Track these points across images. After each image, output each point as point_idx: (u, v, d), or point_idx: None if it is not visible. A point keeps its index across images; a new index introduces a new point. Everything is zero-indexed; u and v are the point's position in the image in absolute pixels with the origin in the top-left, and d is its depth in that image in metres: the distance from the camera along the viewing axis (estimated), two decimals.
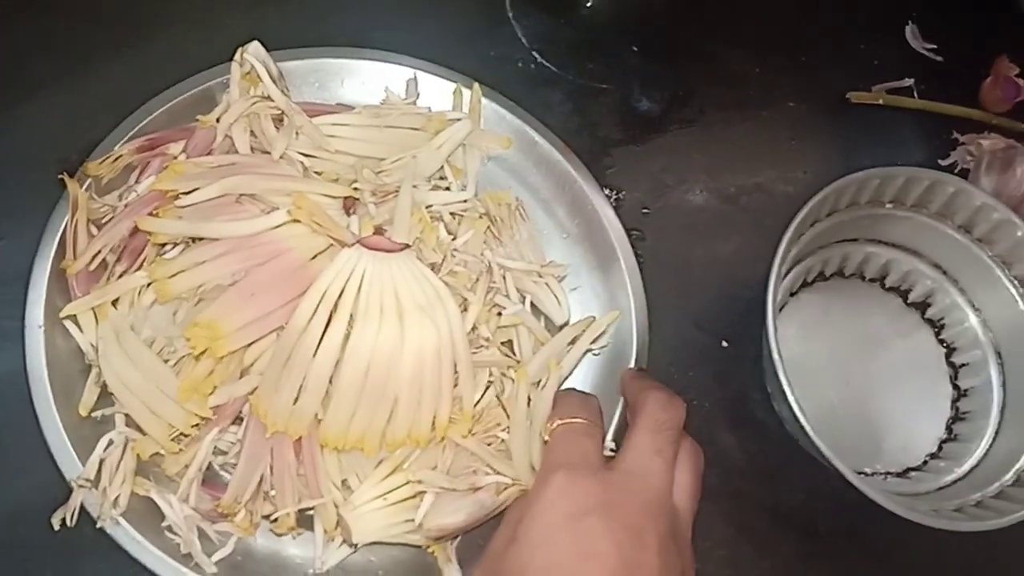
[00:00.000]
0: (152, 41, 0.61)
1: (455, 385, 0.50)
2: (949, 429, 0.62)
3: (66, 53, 0.60)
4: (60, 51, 0.60)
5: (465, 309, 0.52)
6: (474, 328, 0.53)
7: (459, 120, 0.58)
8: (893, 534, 0.59)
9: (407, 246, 0.51)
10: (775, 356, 0.52)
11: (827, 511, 0.60)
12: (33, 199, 0.54)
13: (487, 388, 0.53)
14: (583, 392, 0.54)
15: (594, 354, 0.58)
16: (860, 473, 0.59)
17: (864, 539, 0.59)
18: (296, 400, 0.47)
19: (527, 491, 0.47)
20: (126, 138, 0.55)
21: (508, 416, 0.51)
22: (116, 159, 0.53)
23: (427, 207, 0.55)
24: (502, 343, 0.55)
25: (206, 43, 0.58)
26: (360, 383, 0.48)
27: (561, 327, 0.57)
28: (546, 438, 0.48)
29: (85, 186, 0.53)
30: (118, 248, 0.52)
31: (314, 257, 0.50)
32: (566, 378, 0.56)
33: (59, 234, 0.52)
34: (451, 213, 0.56)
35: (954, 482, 0.59)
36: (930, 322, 0.64)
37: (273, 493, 0.49)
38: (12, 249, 0.54)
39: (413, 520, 0.48)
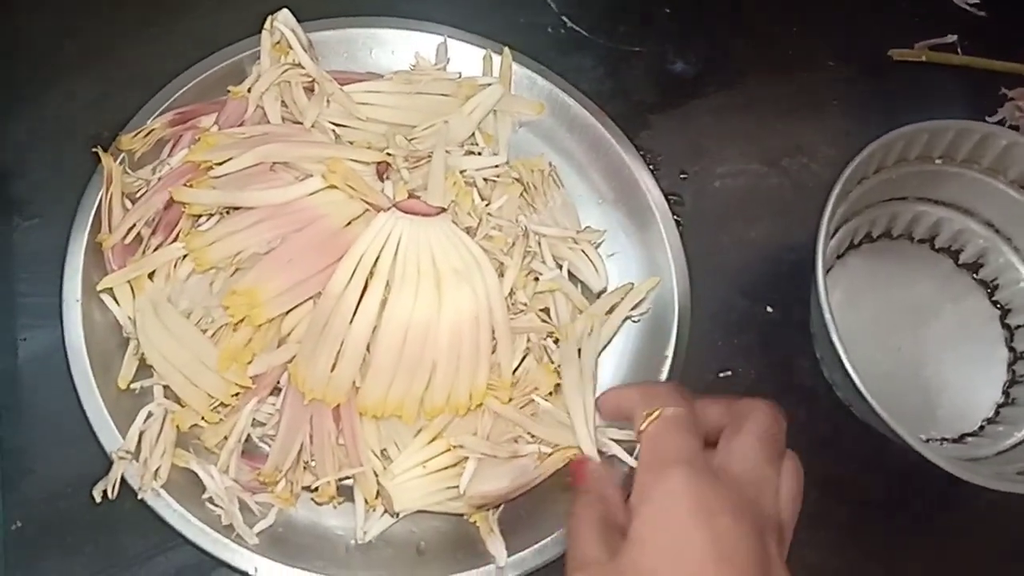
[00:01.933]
0: (179, 19, 0.61)
1: (493, 351, 0.49)
2: (1006, 393, 0.60)
3: (95, 34, 0.60)
4: (89, 32, 0.60)
5: (502, 274, 0.51)
6: (511, 293, 0.52)
7: (490, 85, 0.57)
8: (946, 504, 0.58)
9: (443, 210, 0.50)
10: (827, 318, 0.51)
11: (879, 481, 0.58)
12: (67, 177, 0.54)
13: (525, 355, 0.52)
14: (675, 383, 0.50)
15: (634, 321, 0.56)
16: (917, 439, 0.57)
17: (917, 509, 0.58)
18: (333, 367, 0.47)
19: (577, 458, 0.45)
20: (157, 112, 0.54)
21: (550, 380, 0.50)
22: (148, 133, 0.53)
23: (460, 172, 0.54)
24: (540, 310, 0.54)
25: (232, 19, 0.58)
26: (398, 350, 0.47)
27: (599, 294, 0.56)
28: (642, 428, 0.43)
29: (119, 160, 0.52)
30: (153, 221, 0.52)
31: (349, 223, 0.50)
32: (606, 346, 0.55)
33: (94, 210, 0.52)
34: (484, 179, 0.55)
35: (1014, 446, 0.57)
36: (983, 283, 0.62)
37: (313, 463, 0.48)
38: (48, 227, 0.54)
39: (454, 488, 0.47)
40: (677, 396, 0.44)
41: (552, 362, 0.51)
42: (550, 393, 0.50)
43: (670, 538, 0.37)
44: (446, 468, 0.48)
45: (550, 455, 0.49)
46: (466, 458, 0.47)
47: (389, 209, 0.48)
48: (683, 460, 0.39)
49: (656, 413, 0.42)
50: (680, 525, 0.37)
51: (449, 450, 0.48)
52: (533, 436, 0.49)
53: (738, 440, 0.42)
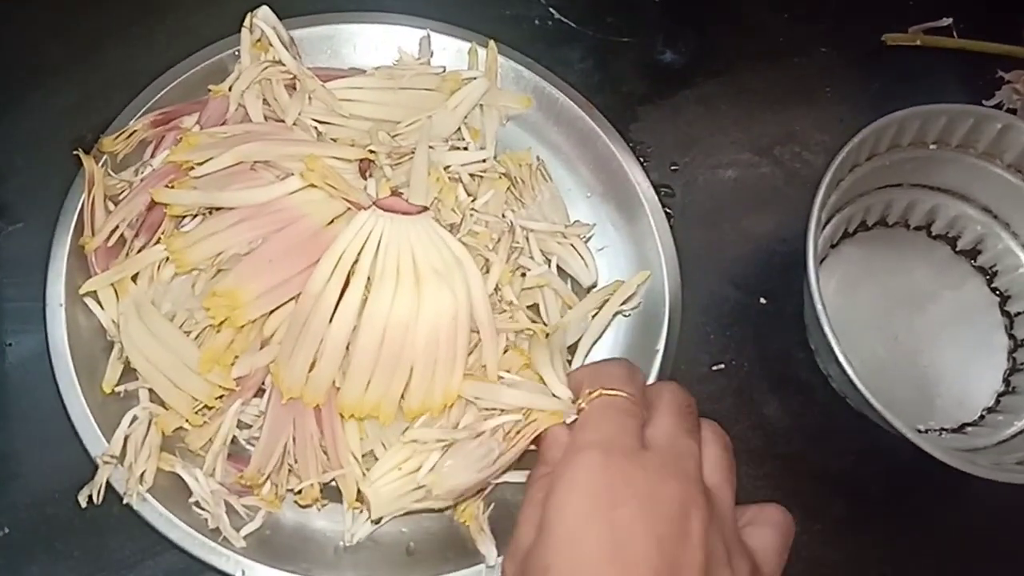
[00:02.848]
0: (161, 19, 0.60)
1: (472, 351, 0.48)
2: (1006, 381, 0.59)
3: (76, 36, 0.59)
4: (70, 35, 0.59)
5: (487, 271, 0.51)
6: (497, 290, 0.51)
7: (475, 79, 0.56)
8: (945, 496, 0.57)
9: (425, 208, 0.49)
10: (819, 310, 0.50)
11: (877, 473, 0.57)
12: (49, 181, 0.54)
13: (505, 350, 0.51)
14: (630, 363, 0.47)
15: (624, 315, 0.56)
16: (914, 430, 0.56)
17: (916, 502, 0.57)
18: (313, 367, 0.46)
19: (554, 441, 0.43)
20: (139, 114, 0.54)
21: (519, 361, 0.49)
22: (131, 134, 0.53)
23: (445, 168, 0.53)
24: (528, 307, 0.53)
25: (215, 18, 0.57)
26: (376, 350, 0.46)
27: (589, 289, 0.55)
28: (583, 405, 0.42)
29: (101, 163, 0.52)
30: (136, 223, 0.51)
31: (331, 222, 0.49)
32: (596, 341, 0.55)
33: (76, 214, 0.52)
34: (470, 174, 0.54)
35: (1013, 436, 0.56)
36: (981, 270, 0.61)
37: (297, 466, 0.48)
38: (30, 232, 0.54)
39: (423, 487, 0.46)
40: (624, 377, 0.43)
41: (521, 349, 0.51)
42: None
43: (566, 531, 0.36)
44: (420, 468, 0.47)
45: (518, 432, 0.47)
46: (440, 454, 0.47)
47: (369, 207, 0.47)
48: (599, 443, 0.38)
49: (595, 393, 0.41)
50: (577, 516, 0.36)
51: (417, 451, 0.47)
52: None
53: (654, 420, 0.41)
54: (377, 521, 0.48)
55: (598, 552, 0.35)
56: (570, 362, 0.53)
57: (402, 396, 0.46)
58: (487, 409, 0.46)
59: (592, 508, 0.36)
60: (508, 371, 0.48)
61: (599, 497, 0.36)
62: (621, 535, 0.35)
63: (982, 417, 0.58)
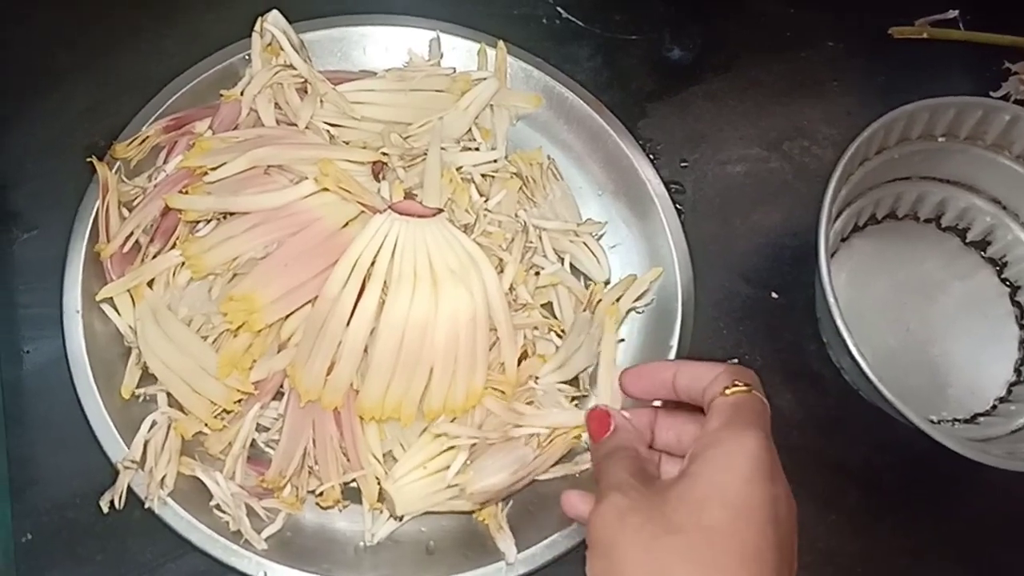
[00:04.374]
0: (171, 25, 0.60)
1: (492, 347, 0.48)
2: (1018, 371, 0.59)
3: (86, 43, 0.59)
4: (80, 41, 0.59)
5: (501, 270, 0.51)
6: (512, 289, 0.51)
7: (485, 79, 0.56)
8: (959, 486, 0.57)
9: (439, 210, 0.49)
10: (831, 302, 0.50)
11: (891, 464, 0.57)
12: (63, 187, 0.54)
13: (523, 352, 0.51)
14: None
15: (638, 312, 0.56)
16: (927, 421, 0.56)
17: (929, 492, 0.57)
18: (331, 370, 0.46)
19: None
20: (152, 119, 0.54)
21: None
22: (143, 140, 0.53)
23: (457, 168, 0.53)
24: (542, 305, 0.53)
25: (225, 23, 0.57)
26: (395, 352, 0.47)
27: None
28: (726, 393, 0.40)
29: (114, 169, 0.52)
30: (150, 229, 0.51)
31: (346, 225, 0.49)
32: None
33: (91, 220, 0.52)
34: (482, 175, 0.55)
35: None
36: (991, 261, 0.61)
37: (317, 467, 0.48)
38: (45, 238, 0.54)
39: (456, 487, 0.47)
40: (752, 377, 0.42)
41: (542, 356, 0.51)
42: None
43: (729, 482, 0.36)
44: (447, 468, 0.48)
45: (551, 441, 0.48)
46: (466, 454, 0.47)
47: (385, 211, 0.48)
48: (762, 429, 0.38)
49: (743, 387, 0.40)
50: (744, 476, 0.36)
51: (449, 449, 0.47)
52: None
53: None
54: (399, 519, 0.48)
55: (760, 510, 0.36)
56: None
57: (422, 398, 0.47)
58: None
59: (760, 476, 0.37)
60: (534, 379, 0.48)
61: (767, 471, 0.37)
62: (779, 507, 0.37)
63: (994, 407, 0.58)
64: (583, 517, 0.41)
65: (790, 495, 0.38)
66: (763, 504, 0.36)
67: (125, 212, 0.52)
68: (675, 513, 0.36)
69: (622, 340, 0.55)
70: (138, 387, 0.50)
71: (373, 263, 0.47)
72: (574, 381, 0.52)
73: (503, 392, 0.48)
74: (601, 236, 0.57)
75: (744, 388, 0.40)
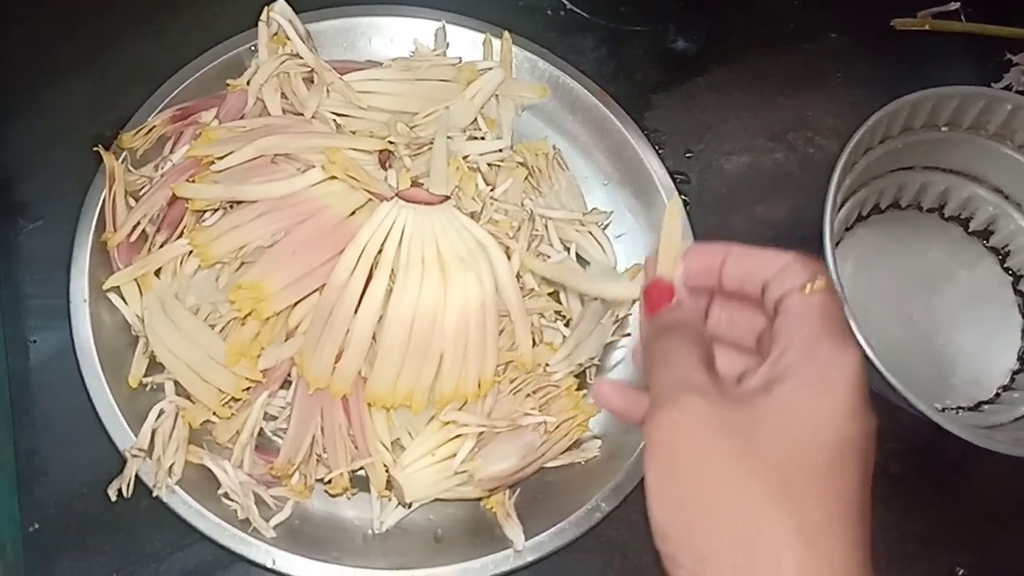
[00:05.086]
0: (176, 15, 0.60)
1: (501, 332, 0.49)
2: (1021, 359, 0.59)
3: (91, 34, 0.59)
4: (85, 32, 0.59)
5: (509, 258, 0.51)
6: (519, 277, 0.51)
7: (490, 69, 0.56)
8: (966, 474, 0.57)
9: (446, 197, 0.49)
10: (837, 292, 0.50)
11: (897, 451, 0.57)
12: (69, 178, 0.54)
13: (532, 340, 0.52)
14: None
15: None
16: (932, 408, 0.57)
17: (936, 480, 0.57)
18: (339, 357, 0.46)
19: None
20: (158, 109, 0.54)
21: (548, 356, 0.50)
22: (150, 130, 0.53)
23: (464, 157, 0.53)
24: (548, 294, 0.53)
25: (230, 13, 0.58)
26: (404, 339, 0.47)
27: None
28: (809, 291, 0.32)
29: (121, 159, 0.52)
30: (157, 218, 0.51)
31: (353, 213, 0.49)
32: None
33: (97, 210, 0.52)
34: (488, 164, 0.55)
35: None
36: (994, 250, 0.61)
37: (325, 455, 0.48)
38: (51, 229, 0.54)
39: (465, 473, 0.47)
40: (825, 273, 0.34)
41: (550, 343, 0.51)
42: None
43: (830, 418, 0.30)
44: (455, 455, 0.48)
45: (558, 428, 0.48)
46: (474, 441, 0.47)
47: (392, 198, 0.48)
48: (854, 342, 0.32)
49: (823, 283, 0.33)
50: (847, 409, 0.30)
51: (457, 437, 0.47)
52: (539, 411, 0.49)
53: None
54: (408, 507, 0.48)
55: (862, 424, 0.31)
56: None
57: (433, 385, 0.47)
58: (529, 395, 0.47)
59: (858, 395, 0.31)
60: (546, 365, 0.48)
61: (864, 392, 0.31)
62: (871, 426, 0.31)
63: (998, 395, 0.59)
64: (620, 410, 0.36)
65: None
66: (863, 440, 0.30)
67: (132, 202, 0.52)
68: (769, 445, 0.30)
69: (628, 334, 0.55)
70: (146, 376, 0.50)
71: (381, 251, 0.47)
72: (581, 375, 0.53)
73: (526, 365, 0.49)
74: (607, 225, 0.57)
75: (826, 284, 0.32)
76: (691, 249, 0.36)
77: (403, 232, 0.48)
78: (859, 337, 0.49)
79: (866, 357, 0.50)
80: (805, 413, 0.30)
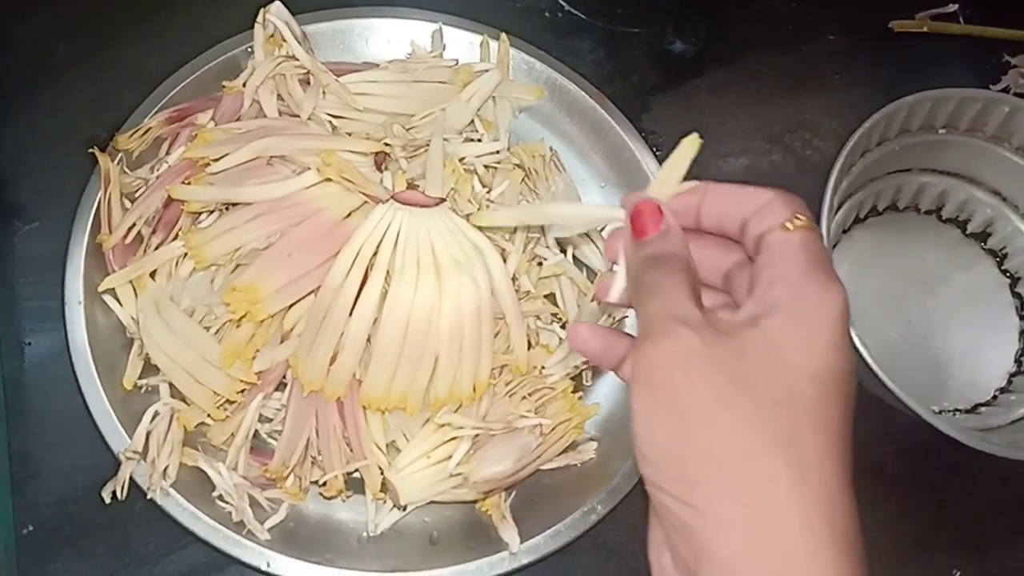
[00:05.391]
0: (172, 16, 0.60)
1: (496, 336, 0.48)
2: (1018, 362, 0.59)
3: (87, 34, 0.59)
4: (81, 33, 0.59)
5: (505, 261, 0.51)
6: (515, 279, 0.51)
7: (487, 71, 0.56)
8: (962, 476, 0.57)
9: (442, 200, 0.49)
10: None
11: (893, 454, 0.57)
12: (65, 179, 0.54)
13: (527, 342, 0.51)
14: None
15: None
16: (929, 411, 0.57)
17: (932, 481, 0.57)
18: (334, 360, 0.46)
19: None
20: (154, 111, 0.54)
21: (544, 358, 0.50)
22: (146, 132, 0.53)
23: (460, 159, 0.53)
24: (545, 296, 0.53)
25: (226, 15, 0.57)
26: (399, 342, 0.47)
27: None
28: (791, 227, 0.32)
29: (116, 160, 0.52)
30: (152, 220, 0.51)
31: (349, 215, 0.49)
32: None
33: (93, 211, 0.52)
34: (485, 166, 0.55)
35: None
36: (991, 252, 0.61)
37: (320, 457, 0.48)
38: (46, 230, 0.54)
39: (460, 475, 0.47)
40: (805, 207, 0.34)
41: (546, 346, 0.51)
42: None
43: (817, 350, 0.30)
44: (450, 457, 0.47)
45: (553, 430, 0.48)
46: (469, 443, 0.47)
47: (387, 201, 0.48)
48: (838, 280, 0.32)
49: (804, 220, 0.33)
50: (832, 342, 0.30)
51: (452, 439, 0.47)
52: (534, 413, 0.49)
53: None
54: (403, 509, 0.48)
55: (846, 361, 0.31)
56: None
57: (428, 388, 0.46)
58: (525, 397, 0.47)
59: (844, 334, 0.31)
60: (542, 368, 0.48)
61: (846, 329, 0.32)
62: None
63: (995, 397, 0.59)
64: (596, 353, 0.36)
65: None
66: (847, 375, 0.31)
67: (127, 204, 0.52)
68: (759, 377, 0.30)
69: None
70: (140, 378, 0.50)
71: (376, 253, 0.47)
72: (577, 378, 0.53)
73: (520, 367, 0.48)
74: (604, 228, 0.57)
75: (807, 222, 0.32)
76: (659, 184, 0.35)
77: (398, 235, 0.48)
78: (855, 339, 0.49)
79: (862, 359, 0.50)
80: (793, 346, 0.30)
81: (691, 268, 0.33)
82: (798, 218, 0.32)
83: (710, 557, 0.29)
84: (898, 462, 0.57)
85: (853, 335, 0.49)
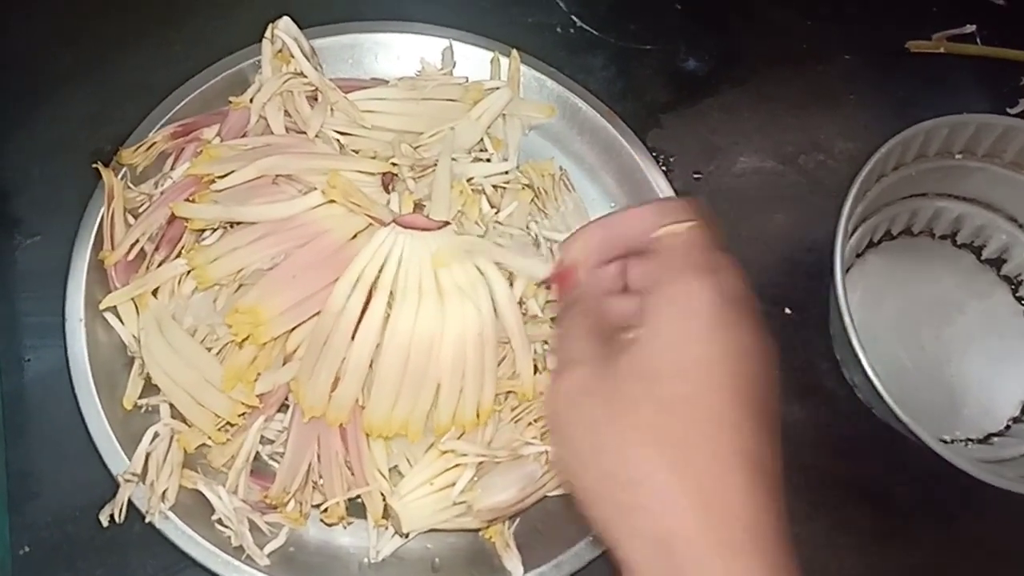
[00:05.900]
0: (178, 29, 0.60)
1: (501, 362, 0.48)
2: None
3: (91, 45, 0.59)
4: (85, 43, 0.59)
5: (511, 284, 0.50)
6: (521, 303, 0.50)
7: (497, 89, 0.55)
8: (974, 507, 0.56)
9: (445, 224, 0.48)
10: (846, 320, 0.49)
11: (904, 483, 0.56)
12: (67, 194, 0.53)
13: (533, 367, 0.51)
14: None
15: None
16: (940, 441, 0.56)
17: (945, 513, 0.56)
18: (335, 385, 0.45)
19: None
20: (159, 125, 0.53)
21: None
22: (150, 146, 0.52)
23: (468, 180, 0.52)
24: (551, 319, 0.52)
25: (233, 28, 0.57)
26: (401, 368, 0.46)
27: None
28: (667, 232, 0.35)
29: (120, 175, 0.52)
30: (156, 237, 0.51)
31: (354, 237, 0.48)
32: None
33: (95, 227, 0.51)
34: (493, 186, 0.54)
35: None
36: (1007, 279, 0.60)
37: (322, 482, 0.47)
38: (48, 245, 0.53)
39: (463, 503, 0.46)
40: (696, 211, 0.37)
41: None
42: None
43: (681, 344, 0.32)
44: (454, 484, 0.47)
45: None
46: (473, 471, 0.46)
47: (389, 224, 0.47)
48: (709, 270, 0.34)
49: (677, 223, 0.35)
50: (696, 334, 0.32)
51: (456, 466, 0.46)
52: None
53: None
54: (405, 536, 0.47)
55: (719, 369, 0.32)
56: None
57: (430, 414, 0.46)
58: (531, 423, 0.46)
59: (712, 329, 0.33)
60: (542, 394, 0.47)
61: (718, 320, 0.33)
62: (738, 355, 0.33)
63: (1008, 427, 0.58)
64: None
65: (760, 340, 0.33)
66: (724, 359, 0.32)
67: (130, 219, 0.51)
68: (630, 388, 0.32)
69: None
70: (140, 398, 0.49)
71: (378, 277, 0.47)
72: None
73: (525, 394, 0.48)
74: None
75: (677, 224, 0.34)
76: (577, 235, 0.39)
77: (400, 259, 0.47)
78: (865, 365, 0.49)
79: (872, 386, 0.49)
80: (660, 352, 0.32)
81: (596, 309, 0.36)
82: (671, 224, 0.34)
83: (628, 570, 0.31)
84: (907, 492, 0.56)
85: (863, 361, 0.48)
